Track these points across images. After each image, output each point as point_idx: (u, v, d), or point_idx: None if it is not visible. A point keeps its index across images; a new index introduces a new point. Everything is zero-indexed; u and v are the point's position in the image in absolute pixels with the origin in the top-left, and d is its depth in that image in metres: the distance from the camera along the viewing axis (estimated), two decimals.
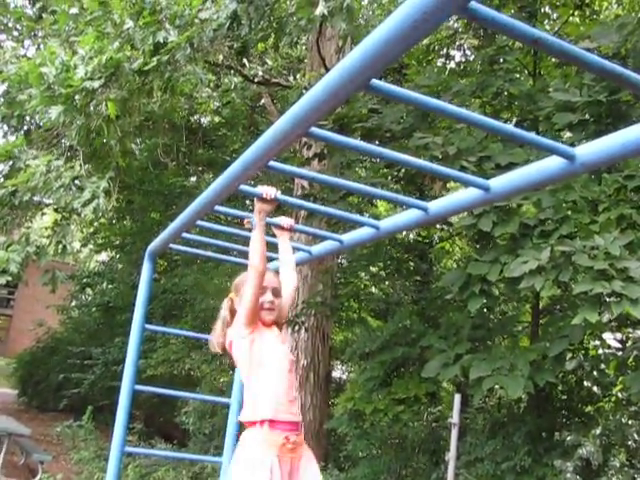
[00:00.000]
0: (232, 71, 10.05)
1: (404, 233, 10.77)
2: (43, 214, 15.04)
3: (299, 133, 1.99)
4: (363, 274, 11.51)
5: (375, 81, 1.63)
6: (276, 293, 3.21)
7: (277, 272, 3.45)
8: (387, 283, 11.34)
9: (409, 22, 1.33)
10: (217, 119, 14.47)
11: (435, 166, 2.40)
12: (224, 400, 4.60)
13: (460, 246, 11.74)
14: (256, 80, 10.24)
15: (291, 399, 3.07)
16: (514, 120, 8.27)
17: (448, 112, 1.85)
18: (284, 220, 3.45)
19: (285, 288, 3.31)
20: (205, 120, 15.08)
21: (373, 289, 11.98)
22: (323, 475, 9.36)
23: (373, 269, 10.80)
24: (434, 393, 9.81)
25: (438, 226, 10.29)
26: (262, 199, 2.95)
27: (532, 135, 2.00)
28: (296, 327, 9.37)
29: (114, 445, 3.84)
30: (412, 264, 10.27)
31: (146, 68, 5.64)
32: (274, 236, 3.52)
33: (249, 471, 2.89)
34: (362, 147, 2.43)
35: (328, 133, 2.27)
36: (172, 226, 3.56)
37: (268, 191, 2.95)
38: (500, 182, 2.21)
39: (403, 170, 7.83)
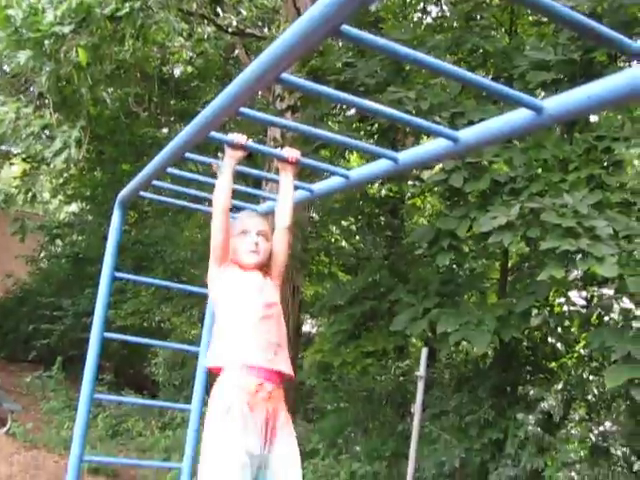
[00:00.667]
0: (206, 20, 9.90)
1: (376, 188, 10.80)
2: (11, 164, 14.83)
3: (270, 79, 1.98)
4: (334, 228, 11.55)
5: (346, 27, 1.62)
6: (262, 234, 3.04)
7: (268, 216, 3.32)
8: (357, 238, 11.39)
9: None
10: (190, 69, 14.28)
11: (406, 116, 2.41)
12: (192, 348, 4.61)
13: (432, 203, 11.80)
14: (230, 30, 10.10)
15: (270, 343, 2.87)
16: (489, 77, 8.28)
17: (418, 61, 1.86)
18: (289, 152, 3.16)
19: (277, 228, 3.13)
20: (178, 70, 14.88)
21: (344, 243, 12.04)
22: (296, 425, 9.43)
23: (344, 223, 10.83)
24: (402, 347, 9.96)
25: (410, 182, 10.32)
26: (232, 146, 2.89)
27: (500, 86, 2.02)
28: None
29: (83, 391, 3.87)
30: (383, 219, 10.31)
31: (118, 14, 5.53)
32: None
33: (219, 419, 2.73)
34: (334, 96, 2.40)
35: (300, 80, 2.26)
36: (142, 173, 3.54)
37: (237, 138, 2.88)
38: (469, 133, 2.24)
39: (376, 125, 7.82)
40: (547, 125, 1.92)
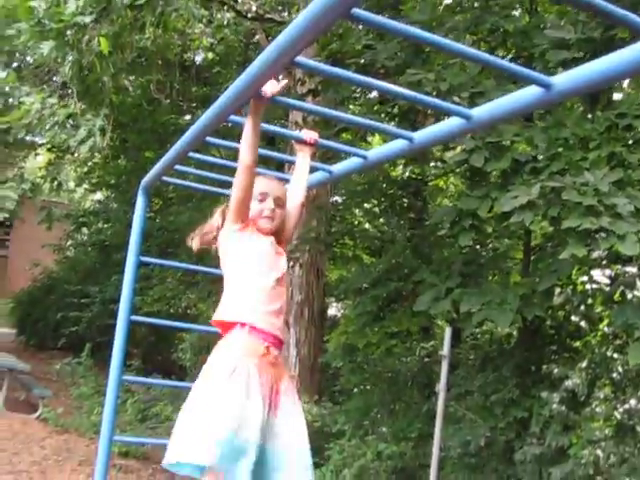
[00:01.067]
0: (225, 6, 9.94)
1: (399, 170, 10.81)
2: (37, 154, 15.01)
3: (285, 62, 2.03)
4: (357, 211, 11.58)
5: (357, 10, 1.66)
6: (279, 203, 3.03)
7: (284, 181, 3.36)
8: (381, 220, 11.42)
9: None
10: (211, 56, 14.34)
11: (421, 96, 2.47)
12: (216, 329, 4.70)
13: (455, 184, 11.78)
14: (249, 16, 10.13)
15: (276, 310, 2.88)
16: (509, 57, 8.24)
17: (428, 41, 1.90)
18: (307, 133, 3.22)
19: (290, 202, 3.13)
20: (199, 57, 14.94)
21: (367, 226, 12.07)
22: (317, 408, 9.54)
23: (367, 206, 10.86)
24: (427, 329, 9.99)
25: (432, 163, 10.32)
26: (257, 97, 2.66)
27: (509, 64, 2.08)
28: (291, 263, 9.48)
29: (112, 372, 3.96)
30: (406, 201, 10.32)
31: (138, 3, 5.59)
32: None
33: (223, 376, 2.64)
34: (350, 78, 2.46)
35: (315, 63, 2.31)
36: (165, 158, 3.61)
37: (268, 87, 2.64)
38: (481, 111, 2.28)
39: (396, 108, 7.83)
40: (556, 101, 1.97)
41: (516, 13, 8.10)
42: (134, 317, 4.20)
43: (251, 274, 2.87)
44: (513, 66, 2.03)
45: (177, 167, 3.78)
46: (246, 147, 2.76)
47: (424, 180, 10.41)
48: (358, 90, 9.04)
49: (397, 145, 2.84)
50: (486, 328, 9.18)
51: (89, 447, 9.13)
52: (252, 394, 2.64)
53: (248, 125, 2.75)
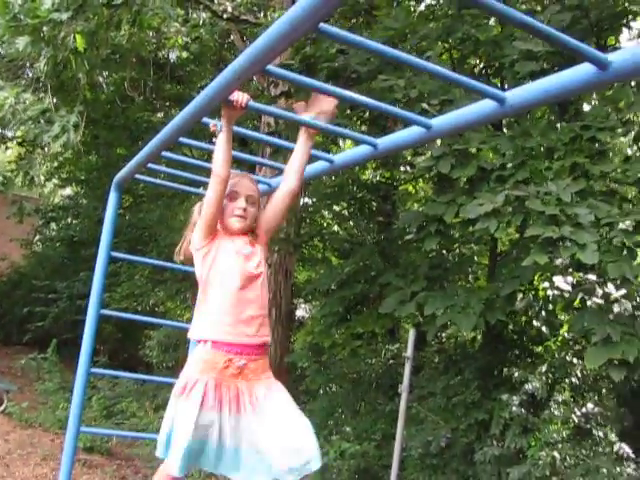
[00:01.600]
0: (201, 6, 9.99)
1: (368, 174, 10.95)
2: (7, 148, 14.89)
3: (256, 70, 2.14)
4: (326, 213, 11.69)
5: (323, 25, 1.77)
6: (251, 201, 2.96)
7: (255, 181, 3.20)
8: (351, 224, 11.55)
9: None
10: (185, 55, 14.37)
11: (385, 105, 2.60)
12: (185, 325, 4.78)
13: (424, 189, 11.94)
14: (225, 16, 10.18)
15: (245, 317, 2.80)
16: (480, 65, 8.39)
17: (393, 56, 2.02)
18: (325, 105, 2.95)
19: (278, 190, 3.01)
20: (174, 55, 14.96)
21: (336, 228, 12.19)
22: None
23: (337, 208, 10.97)
24: (393, 331, 10.13)
25: (402, 168, 10.46)
26: (231, 105, 2.65)
27: (467, 79, 2.21)
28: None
29: (80, 365, 4.02)
30: (375, 204, 10.45)
31: (115, 2, 5.63)
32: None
33: (184, 390, 2.73)
34: (317, 86, 2.57)
35: (284, 71, 2.42)
36: (138, 156, 3.68)
37: (239, 97, 2.62)
38: (440, 121, 2.44)
39: (368, 112, 7.95)
40: (509, 115, 2.10)
41: (491, 22, 8.26)
42: (104, 311, 4.26)
43: (214, 286, 2.84)
44: (471, 81, 2.17)
45: (149, 165, 3.84)
46: (220, 159, 2.74)
47: (394, 184, 10.55)
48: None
49: (362, 150, 2.98)
50: (451, 332, 9.33)
51: (54, 442, 9.12)
52: (207, 405, 2.70)
53: (221, 136, 2.74)
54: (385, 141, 2.80)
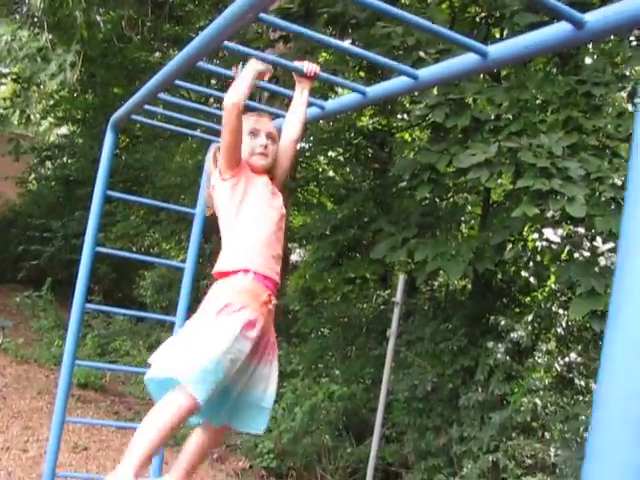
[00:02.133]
0: None
1: (366, 120, 10.95)
2: (1, 84, 14.74)
3: (249, 17, 2.18)
4: (322, 158, 11.71)
5: None
6: (271, 138, 2.89)
7: (272, 117, 3.17)
8: (347, 169, 11.58)
9: None
10: None
11: (374, 55, 2.70)
12: (180, 264, 4.86)
13: (420, 137, 11.95)
14: None
15: (276, 255, 2.75)
16: (482, 14, 8.34)
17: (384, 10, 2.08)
18: (308, 65, 2.93)
19: (284, 138, 2.98)
20: None
21: (331, 174, 12.23)
22: (279, 348, 9.78)
23: (332, 153, 11.00)
24: (385, 277, 10.26)
25: (399, 116, 10.46)
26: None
27: (450, 33, 2.28)
28: None
29: (75, 300, 4.12)
30: (371, 151, 10.48)
31: None
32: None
33: (226, 307, 2.52)
34: (309, 35, 2.61)
35: (278, 20, 2.45)
36: (135, 97, 3.70)
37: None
38: (427, 72, 2.54)
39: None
40: (491, 68, 2.17)
41: None
42: (99, 248, 4.33)
43: (249, 220, 2.73)
44: (454, 34, 2.25)
45: (146, 107, 3.87)
46: (236, 88, 2.66)
47: (391, 132, 10.56)
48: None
49: (353, 98, 3.06)
50: (443, 280, 9.46)
51: (49, 377, 9.31)
52: (246, 337, 2.51)
53: (244, 82, 2.67)
54: (374, 89, 2.87)
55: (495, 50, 2.14)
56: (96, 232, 4.23)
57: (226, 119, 2.67)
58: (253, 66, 2.71)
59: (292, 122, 2.98)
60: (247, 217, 2.72)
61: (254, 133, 2.86)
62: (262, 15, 2.17)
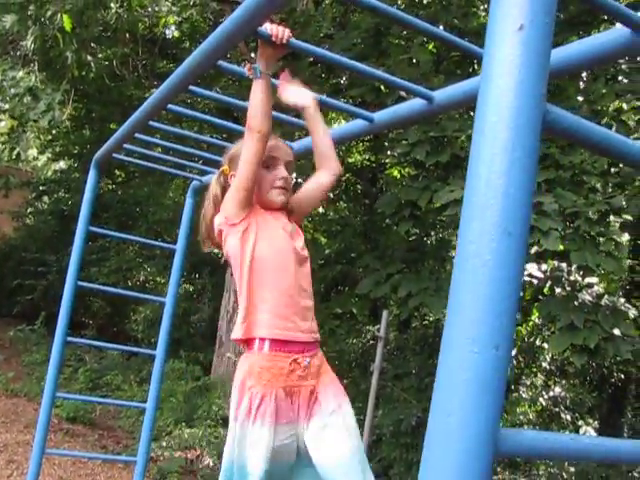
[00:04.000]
0: None
1: (357, 159, 11.11)
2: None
3: (246, 32, 2.10)
4: None
5: None
6: (290, 168, 2.49)
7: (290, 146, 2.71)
8: (340, 205, 11.70)
9: None
10: (177, 34, 14.41)
11: (331, 101, 2.79)
12: (159, 299, 4.92)
13: (410, 173, 12.10)
14: None
15: (302, 307, 2.32)
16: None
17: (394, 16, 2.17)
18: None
19: (320, 178, 2.53)
20: (169, 32, 14.97)
21: (321, 210, 12.36)
22: None
23: None
24: (376, 313, 10.33)
25: (388, 152, 10.62)
26: (269, 42, 2.15)
27: (399, 80, 2.40)
28: None
29: (57, 334, 4.20)
30: (360, 187, 10.62)
31: None
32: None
33: (250, 412, 2.23)
34: (308, 50, 2.49)
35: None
36: (114, 136, 3.81)
37: (278, 31, 2.14)
38: (381, 115, 2.63)
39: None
40: (437, 113, 2.27)
41: (473, 11, 8.38)
42: (81, 283, 4.41)
43: (264, 273, 2.31)
44: (403, 82, 2.40)
45: (136, 141, 3.97)
46: (259, 111, 2.21)
47: (380, 168, 10.72)
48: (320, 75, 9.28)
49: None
50: (434, 316, 9.53)
51: (37, 411, 9.28)
52: (281, 421, 2.25)
53: (259, 83, 2.21)
54: (334, 130, 2.95)
55: (440, 96, 2.26)
56: (78, 268, 4.32)
57: (247, 149, 2.25)
58: (261, 56, 2.22)
59: (324, 159, 2.53)
60: (261, 270, 2.30)
61: (271, 163, 2.42)
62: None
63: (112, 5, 6.52)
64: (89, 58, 7.13)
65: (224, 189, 2.48)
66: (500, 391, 0.78)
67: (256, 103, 2.20)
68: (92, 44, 8.31)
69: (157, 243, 5.55)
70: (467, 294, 0.79)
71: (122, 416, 9.98)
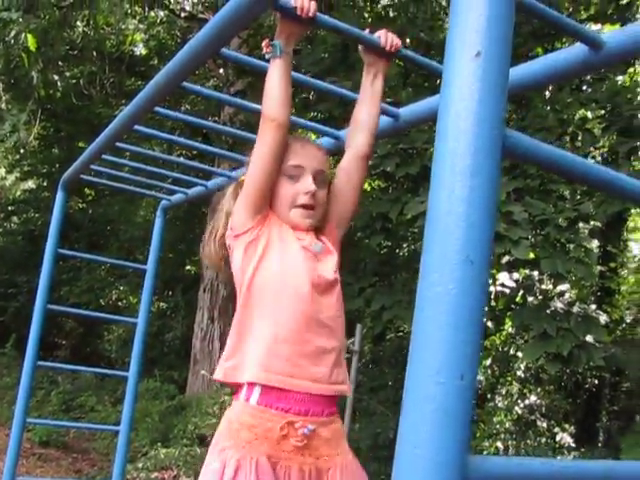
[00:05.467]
0: (157, 4, 10.04)
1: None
2: None
3: (210, 53, 2.03)
4: None
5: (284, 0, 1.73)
6: (321, 179, 1.97)
7: (324, 149, 2.16)
8: None
9: None
10: (144, 51, 14.38)
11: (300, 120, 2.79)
12: (130, 319, 4.88)
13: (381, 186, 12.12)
14: (182, 15, 10.29)
15: (310, 352, 1.81)
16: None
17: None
18: (387, 37, 1.94)
19: (348, 154, 2.05)
20: (138, 50, 14.93)
21: None
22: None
23: None
24: (351, 326, 10.32)
25: None
26: (292, 16, 1.78)
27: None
28: None
29: (27, 358, 4.14)
30: None
31: (63, 4, 5.68)
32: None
33: (221, 477, 1.69)
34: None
35: (237, 54, 2.39)
36: (83, 156, 3.78)
37: (303, 3, 1.74)
38: (345, 132, 2.60)
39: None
40: (404, 129, 2.27)
41: (440, 24, 8.46)
42: (51, 306, 4.36)
43: (264, 295, 1.84)
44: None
45: (96, 166, 3.95)
46: (277, 96, 1.83)
47: None
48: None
49: None
50: (407, 328, 9.55)
51: (9, 436, 9.15)
52: None
53: (278, 63, 1.83)
54: None
55: (405, 112, 2.27)
56: (47, 290, 4.27)
57: (260, 140, 1.86)
58: (282, 33, 1.84)
59: (360, 126, 2.02)
60: (262, 294, 1.83)
61: (295, 172, 1.94)
62: (223, 50, 2.07)
63: (78, 24, 6.48)
64: (55, 77, 7.08)
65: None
66: (467, 420, 0.77)
67: (273, 86, 1.83)
68: (59, 63, 8.27)
69: (127, 264, 5.51)
70: (430, 323, 0.78)
71: (97, 438, 9.85)
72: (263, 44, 1.88)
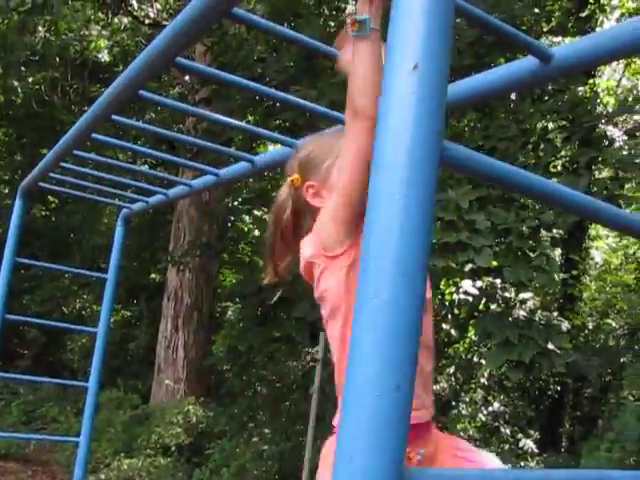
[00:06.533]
0: (121, 11, 9.98)
1: None
2: None
3: (165, 62, 2.04)
4: (247, 218, 11.80)
5: (238, 10, 1.75)
6: None
7: None
8: None
9: None
10: (108, 58, 14.30)
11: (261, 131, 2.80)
12: (91, 329, 4.82)
13: None
14: (146, 22, 10.23)
15: (427, 374, 1.67)
16: None
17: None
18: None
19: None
20: (102, 56, 14.82)
21: (257, 233, 12.32)
22: (203, 410, 9.62)
23: (257, 213, 11.10)
24: (316, 335, 10.29)
25: None
26: None
27: (328, 110, 2.43)
28: (181, 267, 9.64)
29: None
30: None
31: (21, 9, 5.58)
32: None
33: None
34: (226, 78, 2.44)
35: (192, 63, 2.35)
36: (41, 164, 3.72)
37: None
38: (262, 158, 2.66)
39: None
40: None
41: None
42: (9, 316, 4.28)
43: None
44: (332, 112, 2.38)
45: (57, 174, 3.90)
46: (370, 84, 1.45)
47: None
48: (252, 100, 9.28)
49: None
50: None
51: None
52: None
53: (368, 45, 1.45)
54: (262, 158, 2.99)
55: None
56: (4, 301, 4.19)
57: (352, 141, 1.53)
58: (366, 4, 1.46)
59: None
60: None
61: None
62: (179, 59, 2.02)
63: (39, 29, 6.40)
64: (15, 83, 6.98)
65: (297, 208, 1.80)
66: (403, 432, 0.77)
67: (366, 75, 1.44)
68: (21, 68, 8.17)
69: (87, 272, 5.44)
70: (367, 335, 0.78)
71: (58, 449, 9.70)
72: (348, 20, 1.50)
